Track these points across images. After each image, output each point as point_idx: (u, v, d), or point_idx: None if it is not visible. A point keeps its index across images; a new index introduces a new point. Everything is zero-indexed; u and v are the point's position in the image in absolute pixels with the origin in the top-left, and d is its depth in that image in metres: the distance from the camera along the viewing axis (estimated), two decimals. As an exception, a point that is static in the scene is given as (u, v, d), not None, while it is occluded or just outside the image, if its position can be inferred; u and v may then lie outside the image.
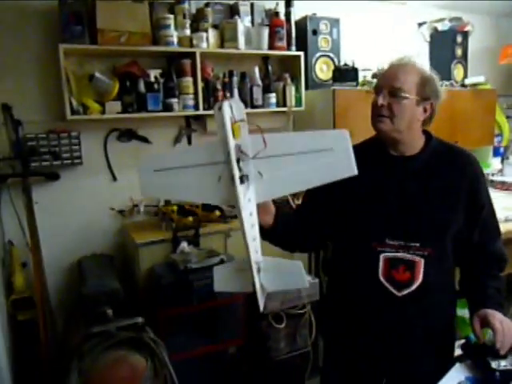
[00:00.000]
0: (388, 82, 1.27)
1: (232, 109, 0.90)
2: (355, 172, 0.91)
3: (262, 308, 0.97)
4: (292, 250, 1.64)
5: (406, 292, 1.28)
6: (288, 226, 1.33)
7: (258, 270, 0.95)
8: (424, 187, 1.30)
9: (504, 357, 1.16)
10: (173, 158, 1.01)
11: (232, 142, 0.89)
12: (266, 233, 1.23)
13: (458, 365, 1.24)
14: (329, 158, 0.89)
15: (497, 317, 1.21)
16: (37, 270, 2.18)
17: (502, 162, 3.93)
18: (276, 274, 0.97)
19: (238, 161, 0.90)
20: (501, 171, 3.85)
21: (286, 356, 2.41)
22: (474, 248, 1.35)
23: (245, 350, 2.35)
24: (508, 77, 4.23)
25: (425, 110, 1.28)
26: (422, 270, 1.27)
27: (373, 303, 1.33)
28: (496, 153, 3.85)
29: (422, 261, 1.27)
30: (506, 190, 3.44)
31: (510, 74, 4.25)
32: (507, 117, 4.10)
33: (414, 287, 1.28)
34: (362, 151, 1.39)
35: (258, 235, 0.97)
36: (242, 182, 0.90)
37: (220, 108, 0.90)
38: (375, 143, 1.36)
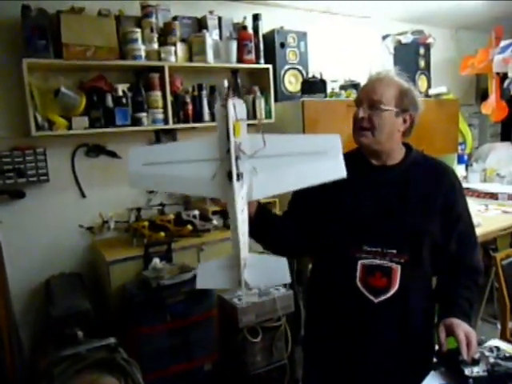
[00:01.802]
0: (367, 96, 1.31)
1: (235, 108, 0.92)
2: (345, 175, 0.95)
3: (244, 303, 0.96)
4: (276, 253, 1.63)
5: (382, 298, 1.30)
6: (272, 225, 1.36)
7: (244, 266, 0.96)
8: (402, 196, 1.33)
9: (477, 363, 1.18)
10: (164, 152, 1.02)
11: (233, 139, 0.91)
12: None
13: (432, 372, 1.26)
14: (321, 160, 0.93)
15: (461, 327, 1.22)
16: (1, 291, 2.09)
17: (467, 169, 4.06)
18: (261, 270, 0.99)
19: (236, 158, 0.91)
20: (465, 178, 3.97)
21: (262, 369, 2.39)
22: (450, 258, 1.37)
23: (221, 365, 2.32)
24: (469, 86, 4.39)
25: (404, 121, 1.33)
26: (398, 277, 1.29)
27: (350, 309, 1.35)
28: (460, 160, 3.98)
29: (399, 267, 1.29)
30: (471, 196, 3.55)
31: (471, 84, 4.42)
32: (469, 125, 4.26)
33: (390, 293, 1.29)
34: (346, 160, 1.43)
35: (247, 231, 0.99)
36: (237, 179, 0.91)
37: (224, 105, 0.92)
38: (357, 153, 1.39)
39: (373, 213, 1.32)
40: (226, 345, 2.33)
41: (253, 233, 1.26)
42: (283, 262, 0.99)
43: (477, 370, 1.17)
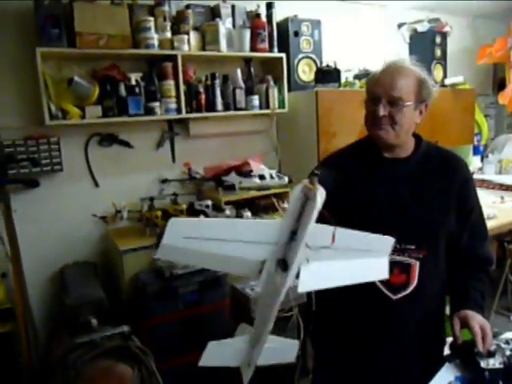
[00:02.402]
0: (386, 91, 1.24)
1: (307, 196, 0.78)
2: (387, 277, 0.93)
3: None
4: None
5: (401, 295, 1.28)
6: None
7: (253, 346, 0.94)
8: (417, 190, 1.30)
9: (493, 355, 1.17)
10: (211, 227, 0.85)
11: (290, 225, 0.80)
12: None
13: (447, 364, 1.24)
14: (369, 258, 0.89)
15: (476, 319, 1.21)
16: (17, 280, 2.11)
17: (482, 160, 4.00)
18: (273, 351, 0.98)
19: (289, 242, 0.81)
20: (481, 169, 3.91)
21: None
22: (462, 250, 1.36)
23: (233, 355, 2.32)
24: (485, 76, 4.31)
25: (420, 112, 1.30)
26: (417, 273, 1.28)
27: (368, 306, 1.32)
28: (476, 151, 3.92)
29: (418, 263, 1.28)
30: (486, 187, 3.50)
31: (488, 74, 4.34)
32: (485, 116, 4.19)
33: (409, 290, 1.28)
34: (355, 151, 1.41)
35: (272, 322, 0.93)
36: (283, 268, 0.82)
37: (306, 195, 0.78)
38: (368, 145, 1.35)
39: (388, 208, 1.30)
40: (238, 334, 2.34)
41: None
42: (295, 344, 1.00)
43: (493, 363, 1.16)
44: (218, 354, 1.01)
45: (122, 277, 2.23)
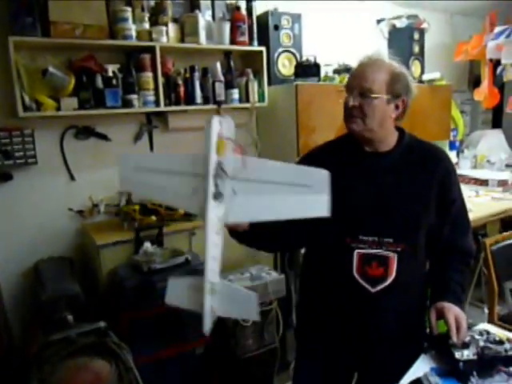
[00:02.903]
0: (358, 83, 1.27)
1: (221, 125, 0.91)
2: (327, 214, 0.91)
3: (206, 330, 0.96)
4: (270, 251, 1.61)
5: (379, 288, 1.29)
6: (269, 230, 1.30)
7: (212, 291, 0.94)
8: (396, 183, 1.31)
9: (467, 347, 1.19)
10: (154, 160, 1.03)
11: (214, 157, 0.90)
12: (240, 236, 1.25)
13: (422, 356, 1.27)
14: (306, 194, 0.89)
15: (452, 310, 1.23)
16: (-10, 275, 2.06)
17: (458, 155, 4.07)
18: (229, 301, 0.97)
19: (216, 176, 0.91)
20: (457, 164, 3.98)
21: (253, 353, 2.40)
22: (443, 242, 1.37)
23: (212, 349, 2.32)
24: (462, 73, 4.38)
25: (396, 107, 1.29)
26: (395, 266, 1.29)
27: (347, 299, 1.34)
28: (452, 147, 3.99)
29: (396, 256, 1.29)
30: (462, 182, 3.56)
31: (464, 70, 4.41)
32: (461, 112, 4.26)
33: (387, 283, 1.29)
34: (337, 147, 1.43)
35: (219, 256, 0.96)
36: (215, 198, 0.91)
37: (209, 122, 0.92)
38: (350, 139, 1.36)
39: (368, 201, 1.30)
40: (217, 328, 2.33)
41: (245, 241, 1.32)
42: (253, 297, 0.95)
43: (467, 354, 1.18)
44: (178, 293, 1.01)
45: (99, 272, 2.20)
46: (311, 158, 1.46)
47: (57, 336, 1.76)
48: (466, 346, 1.20)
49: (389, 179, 1.32)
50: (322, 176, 0.88)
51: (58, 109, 2.20)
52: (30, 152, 2.24)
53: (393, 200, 1.30)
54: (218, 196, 0.91)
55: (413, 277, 1.34)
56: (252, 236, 1.28)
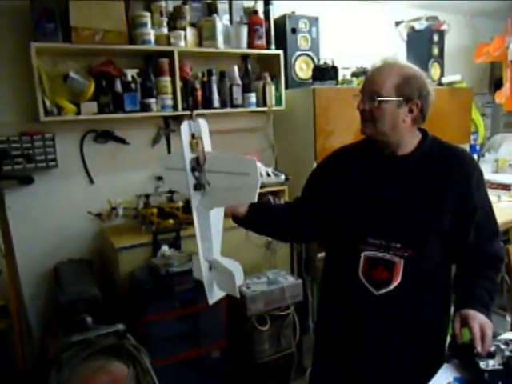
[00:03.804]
0: (368, 87, 1.27)
1: (191, 127, 1.07)
2: (254, 200, 0.99)
3: (210, 302, 1.12)
4: (279, 238, 1.79)
5: (383, 291, 1.28)
6: (271, 215, 1.43)
7: (210, 268, 1.11)
8: (411, 187, 1.29)
9: (492, 356, 1.16)
10: (174, 159, 1.17)
11: (188, 155, 1.06)
12: (242, 222, 1.36)
13: (445, 365, 1.24)
14: (244, 181, 0.98)
15: (477, 319, 1.20)
16: (11, 277, 2.09)
17: (479, 159, 4.00)
18: (221, 277, 1.10)
19: (193, 170, 1.07)
20: (477, 168, 3.91)
21: (270, 358, 2.39)
22: (469, 248, 1.33)
23: (229, 353, 2.32)
24: (483, 75, 4.31)
25: (410, 111, 1.26)
26: (401, 271, 1.27)
27: (352, 301, 1.35)
28: (472, 150, 3.92)
29: (402, 261, 1.26)
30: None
31: (485, 73, 4.34)
32: (482, 114, 4.19)
33: (391, 287, 1.27)
34: (356, 150, 1.43)
35: (211, 237, 1.10)
36: (196, 188, 1.07)
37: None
38: (371, 142, 1.35)
39: (379, 204, 1.29)
40: (234, 333, 2.33)
41: (249, 227, 1.43)
42: (231, 274, 1.05)
43: (492, 364, 1.15)
44: (197, 267, 1.13)
45: (118, 274, 2.22)
46: (331, 159, 1.50)
47: (76, 338, 1.78)
48: (491, 355, 1.17)
49: (402, 183, 1.30)
50: (250, 164, 0.97)
51: (78, 113, 2.24)
52: (50, 156, 2.27)
53: (403, 204, 1.28)
54: (198, 187, 1.07)
55: (421, 284, 1.31)
56: (254, 222, 1.38)
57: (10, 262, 2.10)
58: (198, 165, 1.06)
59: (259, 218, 1.37)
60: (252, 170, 0.96)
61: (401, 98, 1.23)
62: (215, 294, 1.14)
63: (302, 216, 1.43)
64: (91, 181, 2.48)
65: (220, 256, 1.12)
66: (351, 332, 1.37)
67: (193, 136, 1.07)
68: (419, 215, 1.27)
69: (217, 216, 1.13)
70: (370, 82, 1.27)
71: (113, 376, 1.74)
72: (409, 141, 1.31)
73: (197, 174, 1.07)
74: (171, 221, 2.37)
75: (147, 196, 2.50)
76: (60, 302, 1.95)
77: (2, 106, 2.21)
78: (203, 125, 1.09)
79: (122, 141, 2.53)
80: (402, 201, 1.29)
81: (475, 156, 3.93)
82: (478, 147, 4.00)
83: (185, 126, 1.07)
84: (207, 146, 1.08)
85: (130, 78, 2.36)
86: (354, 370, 1.41)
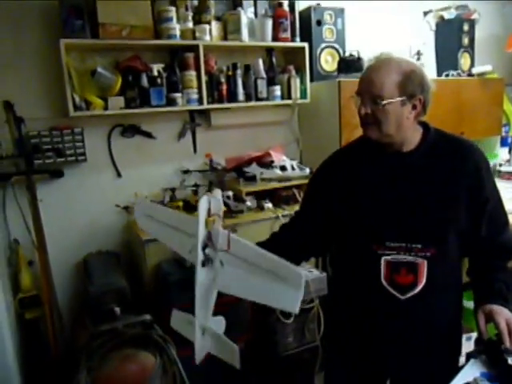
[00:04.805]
0: (368, 89, 1.21)
1: (210, 203, 1.03)
2: (295, 311, 0.93)
3: (197, 361, 1.07)
4: (300, 263, 1.61)
5: (409, 295, 1.25)
6: (278, 249, 1.27)
7: (203, 333, 1.07)
8: (421, 185, 1.25)
9: (520, 352, 1.14)
10: (163, 214, 1.14)
11: (202, 231, 1.01)
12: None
13: (472, 360, 1.22)
14: (281, 286, 0.91)
15: (502, 314, 1.18)
16: (43, 268, 2.17)
17: (510, 152, 3.88)
18: (217, 344, 1.08)
19: (205, 246, 1.01)
20: (508, 161, 3.80)
21: (294, 351, 2.39)
22: (482, 241, 1.31)
23: (253, 345, 2.33)
24: (515, 65, 4.16)
25: (414, 107, 1.22)
26: (425, 272, 1.24)
27: (376, 307, 1.31)
28: (503, 143, 3.81)
29: (425, 262, 1.24)
30: (513, 180, 3.40)
31: (517, 63, 4.19)
32: (514, 106, 4.05)
33: (417, 290, 1.25)
34: (358, 149, 1.38)
35: (209, 306, 1.06)
36: (204, 265, 1.01)
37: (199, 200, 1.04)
38: (370, 141, 1.30)
39: (393, 206, 1.25)
40: (258, 325, 2.34)
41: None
42: (234, 349, 1.04)
43: None
44: (180, 323, 1.12)
45: (145, 266, 2.26)
46: (329, 166, 1.43)
47: (105, 327, 1.82)
48: None
49: (412, 182, 1.26)
50: (297, 276, 0.90)
51: (106, 108, 2.28)
52: (79, 150, 2.33)
53: (417, 203, 1.24)
54: (206, 263, 1.01)
55: (445, 282, 1.29)
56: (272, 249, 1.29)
57: (41, 254, 2.17)
58: (210, 241, 1.01)
59: (282, 246, 1.28)
60: (296, 281, 0.88)
61: (404, 97, 1.19)
62: (203, 354, 1.10)
63: (308, 235, 1.39)
64: (119, 174, 2.53)
65: (212, 318, 1.09)
66: (375, 338, 1.34)
67: (209, 212, 1.03)
68: (436, 212, 1.24)
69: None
70: (369, 83, 1.20)
71: (141, 365, 1.77)
72: (412, 137, 1.28)
73: (207, 251, 1.01)
74: (196, 214, 2.39)
75: (173, 189, 2.53)
76: (89, 292, 2.00)
77: (33, 101, 2.28)
78: (220, 201, 1.06)
79: (149, 135, 2.57)
80: (416, 199, 1.25)
81: (506, 149, 3.82)
82: (509, 139, 3.88)
83: (203, 202, 1.02)
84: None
85: (155, 73, 2.39)
86: (377, 376, 1.39)
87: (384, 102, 1.18)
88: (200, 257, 1.01)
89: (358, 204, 1.30)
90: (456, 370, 1.21)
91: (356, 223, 1.30)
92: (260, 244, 1.23)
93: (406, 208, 1.24)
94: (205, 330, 1.07)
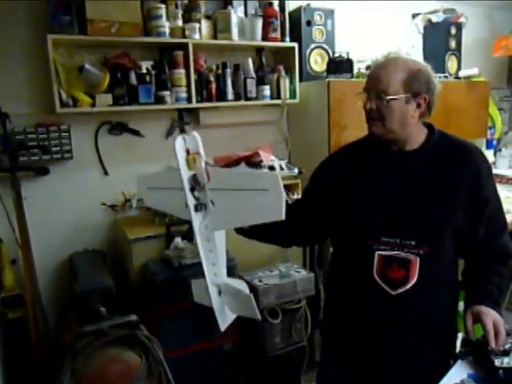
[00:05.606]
0: (373, 85, 1.25)
1: (186, 142, 0.98)
2: (282, 217, 0.92)
3: (222, 328, 1.06)
4: (286, 246, 1.64)
5: (400, 290, 1.26)
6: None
7: (219, 293, 1.04)
8: (422, 184, 1.27)
9: (507, 354, 1.15)
10: (159, 178, 1.13)
11: (185, 173, 0.97)
12: (246, 232, 1.31)
13: (460, 362, 1.23)
14: (262, 197, 0.91)
15: (490, 315, 1.19)
16: (27, 266, 2.13)
17: (495, 154, 3.94)
18: (235, 300, 1.04)
19: (193, 189, 0.98)
20: (494, 164, 3.85)
21: (281, 351, 2.40)
22: (479, 243, 1.32)
23: (240, 345, 2.33)
24: (501, 69, 4.22)
25: (418, 106, 1.25)
26: (417, 269, 1.25)
27: (367, 301, 1.32)
28: (489, 145, 3.85)
29: (418, 259, 1.25)
30: (499, 182, 3.45)
31: (503, 66, 4.25)
32: (499, 109, 4.11)
33: (409, 286, 1.26)
34: (362, 147, 1.41)
35: (217, 260, 1.03)
36: (197, 209, 0.99)
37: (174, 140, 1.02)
38: (374, 139, 1.33)
39: (390, 202, 1.28)
40: (246, 325, 2.34)
41: (252, 236, 1.36)
42: (248, 297, 1.01)
43: (507, 361, 1.14)
44: (201, 292, 1.09)
45: (131, 266, 2.23)
46: (339, 155, 1.47)
47: (90, 327, 1.80)
48: (505, 353, 1.16)
49: (413, 179, 1.28)
50: (272, 178, 0.90)
51: (93, 105, 2.25)
52: (66, 147, 2.29)
53: (416, 202, 1.26)
54: (199, 207, 0.99)
55: (437, 281, 1.30)
56: (258, 232, 1.30)
57: (25, 252, 2.13)
58: (197, 183, 0.98)
59: (267, 229, 1.24)
60: (273, 185, 0.88)
61: (409, 94, 1.22)
62: (227, 319, 1.08)
63: (306, 217, 1.40)
64: (106, 172, 2.50)
65: (227, 278, 1.06)
66: (367, 332, 1.35)
67: (187, 152, 0.98)
68: (434, 211, 1.26)
69: (220, 235, 1.06)
70: (376, 80, 1.24)
71: (126, 365, 1.76)
72: (416, 136, 1.30)
73: (197, 193, 0.98)
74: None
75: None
76: (75, 291, 1.98)
77: (19, 97, 2.23)
78: (198, 139, 1.01)
79: (137, 133, 2.54)
80: (415, 197, 1.27)
81: (492, 151, 3.87)
82: (494, 142, 3.93)
83: (179, 142, 0.98)
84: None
85: (144, 70, 2.36)
86: (368, 369, 1.39)
87: (388, 97, 1.21)
88: (190, 199, 0.98)
89: (357, 197, 1.32)
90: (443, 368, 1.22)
91: (354, 216, 1.33)
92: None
93: (404, 205, 1.27)
94: (221, 289, 1.03)
